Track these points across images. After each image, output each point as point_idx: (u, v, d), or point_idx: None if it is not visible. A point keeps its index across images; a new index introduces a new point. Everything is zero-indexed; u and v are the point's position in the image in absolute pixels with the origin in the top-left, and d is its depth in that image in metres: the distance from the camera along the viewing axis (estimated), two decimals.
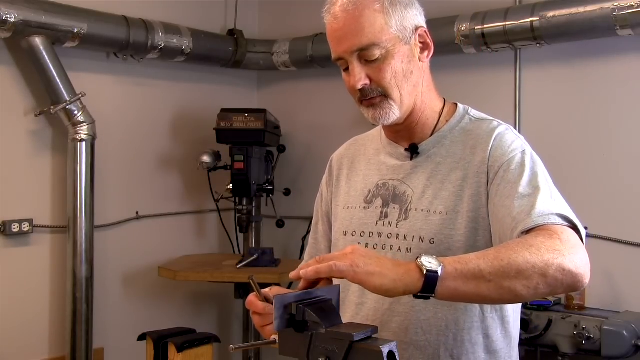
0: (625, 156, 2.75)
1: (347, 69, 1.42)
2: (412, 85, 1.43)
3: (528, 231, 1.23)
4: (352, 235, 1.52)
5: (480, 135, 1.44)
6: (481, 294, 1.15)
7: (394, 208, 1.47)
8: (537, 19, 2.74)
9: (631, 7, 2.50)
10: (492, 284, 1.14)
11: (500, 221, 1.32)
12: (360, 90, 1.40)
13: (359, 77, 1.38)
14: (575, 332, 2.55)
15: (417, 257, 1.14)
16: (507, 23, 2.83)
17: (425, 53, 1.45)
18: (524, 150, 1.39)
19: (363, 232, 1.50)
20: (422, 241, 1.41)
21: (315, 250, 1.66)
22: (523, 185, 1.32)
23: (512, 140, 1.42)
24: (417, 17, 1.43)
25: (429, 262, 1.13)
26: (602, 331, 2.47)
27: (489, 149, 1.41)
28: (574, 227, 1.25)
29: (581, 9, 2.63)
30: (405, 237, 1.43)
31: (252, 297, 1.31)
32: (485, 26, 2.89)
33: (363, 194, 1.54)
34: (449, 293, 1.14)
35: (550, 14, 2.71)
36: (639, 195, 2.72)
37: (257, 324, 1.33)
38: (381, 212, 1.49)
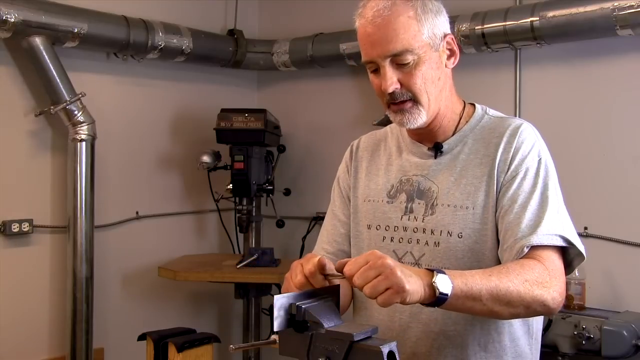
0: (625, 156, 2.75)
1: (375, 71, 1.47)
2: (439, 90, 1.49)
3: (531, 247, 1.37)
4: (377, 229, 1.56)
5: (503, 134, 1.50)
6: (471, 311, 1.32)
7: (419, 203, 1.52)
8: (537, 19, 2.74)
9: (631, 7, 2.50)
10: (485, 307, 1.29)
11: (506, 225, 1.42)
12: (390, 93, 1.45)
13: (391, 81, 1.43)
14: (575, 332, 2.54)
15: (433, 276, 1.22)
16: (507, 23, 2.83)
17: (452, 60, 1.51)
18: (540, 159, 1.47)
19: (388, 226, 1.55)
20: (451, 235, 1.47)
21: (335, 236, 1.65)
22: (535, 198, 1.43)
23: (532, 144, 1.48)
24: (445, 24, 1.49)
25: (443, 285, 1.23)
26: (602, 331, 2.47)
27: (512, 149, 1.47)
28: (571, 245, 1.40)
29: (581, 9, 2.63)
30: (432, 232, 1.49)
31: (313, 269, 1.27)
32: (485, 26, 2.89)
33: (385, 188, 1.58)
34: (449, 307, 1.28)
35: (550, 14, 2.71)
36: (639, 195, 2.72)
37: (298, 280, 1.28)
38: (406, 207, 1.54)
